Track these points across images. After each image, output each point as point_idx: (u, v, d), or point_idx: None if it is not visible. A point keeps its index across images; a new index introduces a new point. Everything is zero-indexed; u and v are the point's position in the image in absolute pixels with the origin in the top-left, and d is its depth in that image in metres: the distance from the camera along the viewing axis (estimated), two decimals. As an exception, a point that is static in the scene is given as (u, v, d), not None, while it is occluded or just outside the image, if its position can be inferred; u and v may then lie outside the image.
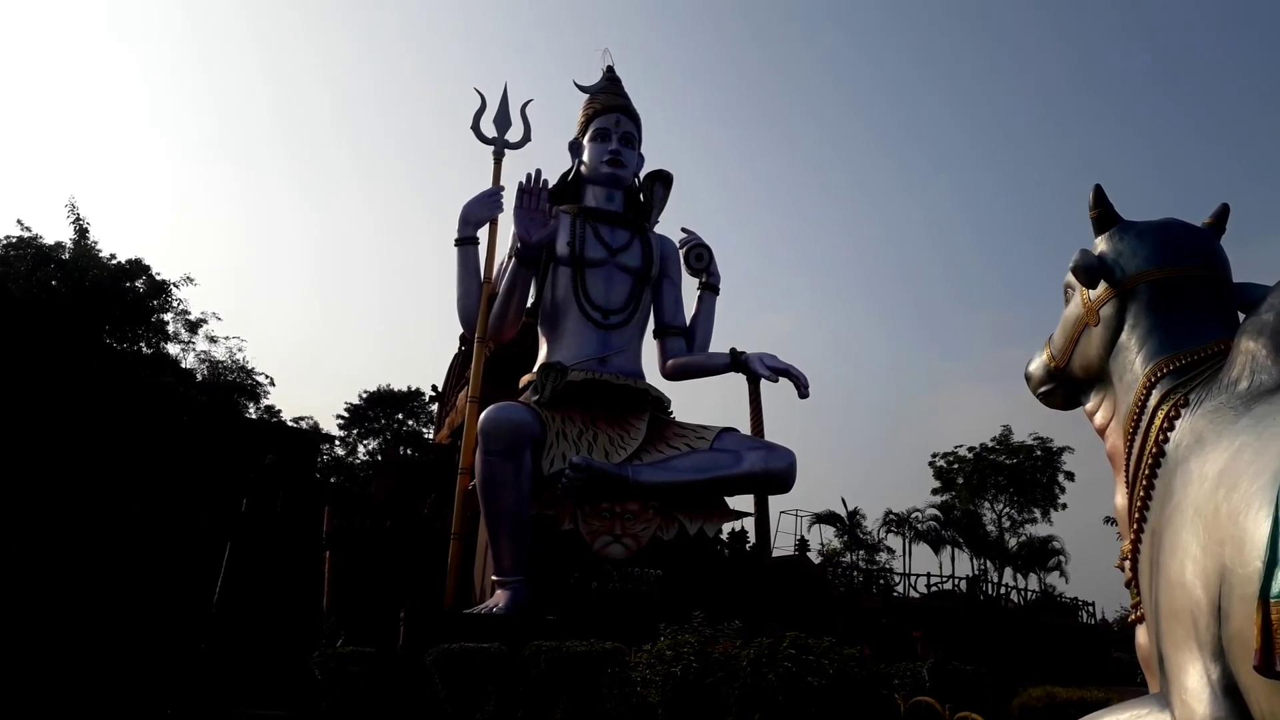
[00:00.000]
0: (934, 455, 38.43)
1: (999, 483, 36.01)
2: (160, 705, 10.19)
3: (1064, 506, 36.10)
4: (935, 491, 37.26)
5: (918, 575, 32.07)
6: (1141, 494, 3.86)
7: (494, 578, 12.09)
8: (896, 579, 29.83)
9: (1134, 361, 4.05)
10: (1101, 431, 4.44)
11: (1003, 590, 34.50)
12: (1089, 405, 4.51)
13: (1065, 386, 4.64)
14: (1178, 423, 3.75)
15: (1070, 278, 4.48)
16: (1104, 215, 4.27)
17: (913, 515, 35.26)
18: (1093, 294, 4.24)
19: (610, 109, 14.69)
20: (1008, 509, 36.24)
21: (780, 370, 13.49)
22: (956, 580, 33.22)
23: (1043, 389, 4.76)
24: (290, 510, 16.92)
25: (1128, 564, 4.17)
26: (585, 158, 14.60)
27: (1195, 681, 3.24)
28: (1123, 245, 4.17)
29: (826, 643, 6.25)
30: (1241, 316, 4.00)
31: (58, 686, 10.03)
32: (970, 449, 37.03)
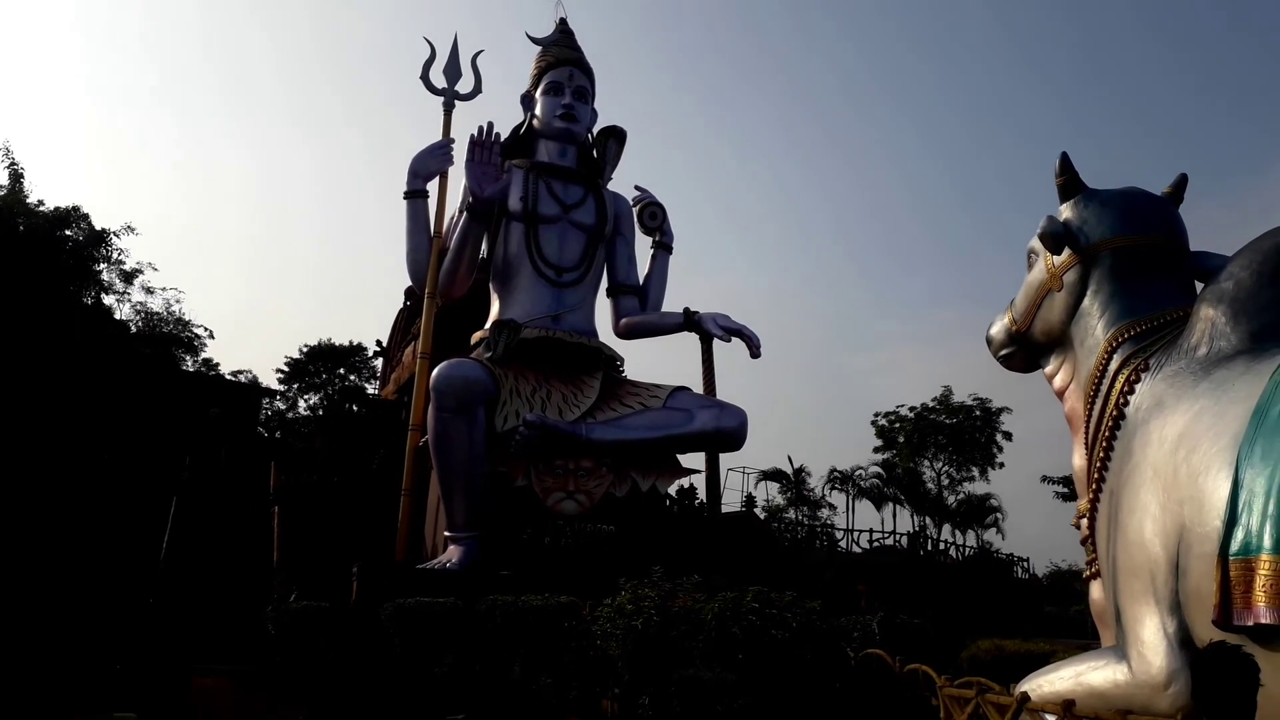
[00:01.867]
0: (876, 414, 39.29)
1: (939, 442, 36.91)
2: (110, 661, 10.05)
3: (1001, 465, 37.21)
4: (877, 450, 38.15)
5: (860, 531, 32.82)
6: (1101, 455, 4.00)
7: (446, 533, 12.09)
8: (840, 535, 30.50)
9: (1096, 326, 4.18)
10: (1060, 394, 4.58)
11: (942, 546, 35.49)
12: (1049, 368, 4.65)
13: (1026, 349, 4.77)
14: (1138, 386, 3.88)
15: (1034, 243, 4.59)
16: (1069, 182, 4.37)
17: (856, 473, 36.10)
18: (1057, 259, 4.35)
19: (563, 62, 14.48)
20: (947, 467, 37.23)
21: (733, 330, 13.58)
22: (898, 536, 34.08)
23: (1003, 351, 4.88)
24: (234, 465, 16.65)
25: (1084, 522, 4.33)
26: (538, 111, 14.40)
27: (1152, 634, 3.40)
28: (1087, 212, 4.28)
29: (789, 596, 6.39)
30: (1199, 285, 4.15)
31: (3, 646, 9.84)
32: (911, 408, 37.94)
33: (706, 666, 6.06)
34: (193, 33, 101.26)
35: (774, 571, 14.44)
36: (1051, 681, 3.84)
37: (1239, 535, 3.00)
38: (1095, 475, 4.03)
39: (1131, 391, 3.87)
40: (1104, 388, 4.03)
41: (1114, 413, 3.94)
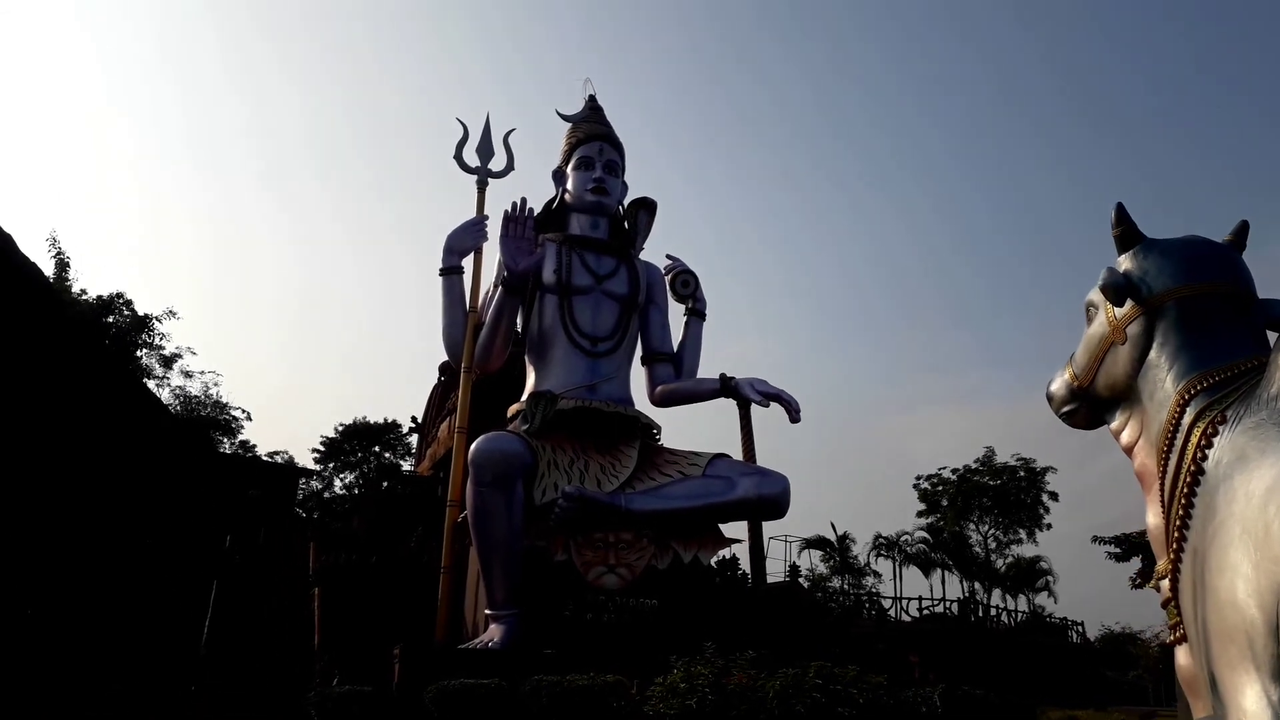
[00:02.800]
0: (918, 477, 38.58)
1: (984, 504, 36.10)
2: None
3: (1049, 526, 36.31)
4: (920, 514, 37.36)
5: (909, 599, 32.05)
6: (1180, 513, 3.82)
7: (487, 612, 11.88)
8: (887, 603, 29.78)
9: (1165, 379, 4.03)
10: (1129, 450, 4.41)
11: (993, 612, 34.53)
12: (1114, 424, 4.49)
13: (1088, 405, 4.63)
14: (1216, 440, 3.72)
15: (1093, 296, 4.48)
16: (1127, 233, 4.27)
17: (902, 538, 35.36)
18: (1119, 312, 4.23)
19: (593, 137, 14.70)
20: (993, 530, 36.33)
21: (771, 395, 13.45)
22: (947, 603, 33.21)
23: (1066, 408, 4.73)
24: (273, 546, 16.60)
25: (1164, 584, 4.13)
26: (569, 186, 14.59)
27: (1254, 703, 3.18)
28: (1148, 263, 4.17)
29: (853, 671, 6.15)
30: (1270, 335, 4.01)
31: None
32: (954, 470, 37.24)
33: (768, 746, 5.83)
34: (230, 110, 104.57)
35: (822, 643, 14.07)
36: (1146, 757, 3.61)
37: (1345, 595, 2.81)
38: (1175, 534, 3.85)
39: (1209, 445, 3.71)
40: (1178, 443, 3.87)
41: (1191, 468, 3.77)
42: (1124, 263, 4.23)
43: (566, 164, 14.74)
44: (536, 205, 14.00)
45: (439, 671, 9.61)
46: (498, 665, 10.09)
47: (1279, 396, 3.50)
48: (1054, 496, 36.55)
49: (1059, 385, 4.72)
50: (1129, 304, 4.12)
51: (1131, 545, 26.13)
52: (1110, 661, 38.61)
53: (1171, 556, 3.89)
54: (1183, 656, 4.05)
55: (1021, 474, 36.56)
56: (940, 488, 37.39)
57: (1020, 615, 35.12)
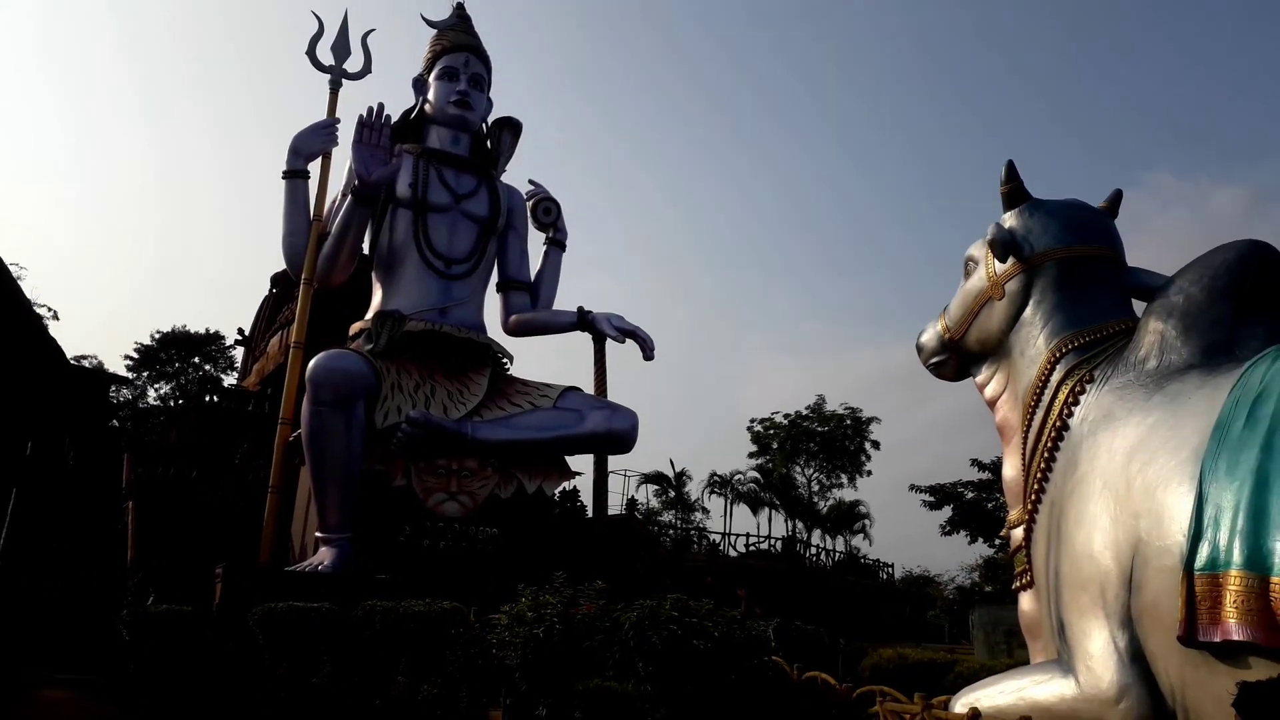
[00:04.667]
0: (752, 420, 39.92)
1: (811, 449, 37.78)
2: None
3: (869, 473, 38.39)
4: (752, 455, 38.74)
5: (737, 535, 33.20)
6: (1042, 465, 3.95)
7: (318, 534, 11.44)
8: (716, 538, 30.77)
9: (1038, 337, 4.14)
10: (992, 403, 4.53)
11: (813, 551, 36.30)
12: (980, 377, 4.60)
13: (958, 358, 4.72)
14: (1083, 398, 3.85)
15: (974, 250, 4.54)
16: (1014, 191, 4.33)
17: (735, 477, 36.54)
18: (999, 267, 4.30)
19: (460, 47, 13.99)
20: (818, 474, 38.14)
21: (627, 331, 13.40)
22: (773, 541, 34.69)
23: (935, 359, 4.82)
24: (81, 457, 15.42)
25: (1016, 533, 4.29)
26: (430, 96, 13.87)
27: (1101, 648, 3.34)
28: (1032, 222, 4.25)
29: (707, 604, 6.21)
30: (1136, 302, 4.17)
31: None
32: (786, 415, 38.75)
33: (620, 677, 5.81)
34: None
35: (656, 575, 14.35)
36: (992, 696, 3.76)
37: (1204, 550, 2.96)
38: (1035, 486, 3.98)
39: (1076, 403, 3.84)
40: (1046, 398, 3.99)
41: (1057, 423, 3.90)
42: (1009, 220, 4.30)
43: (429, 73, 13.99)
44: (394, 113, 13.26)
45: (265, 593, 9.18)
46: (328, 589, 9.73)
47: (1147, 359, 3.64)
48: (876, 445, 38.92)
49: (930, 336, 4.79)
50: (1010, 260, 4.20)
51: (945, 495, 27.98)
52: (912, 601, 41.45)
53: (1029, 507, 4.03)
54: (1026, 602, 4.22)
55: (848, 422, 38.59)
56: (772, 431, 38.94)
57: (838, 555, 37.31)
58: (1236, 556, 2.84)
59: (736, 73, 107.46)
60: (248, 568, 10.77)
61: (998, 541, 28.07)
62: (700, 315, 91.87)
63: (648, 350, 13.43)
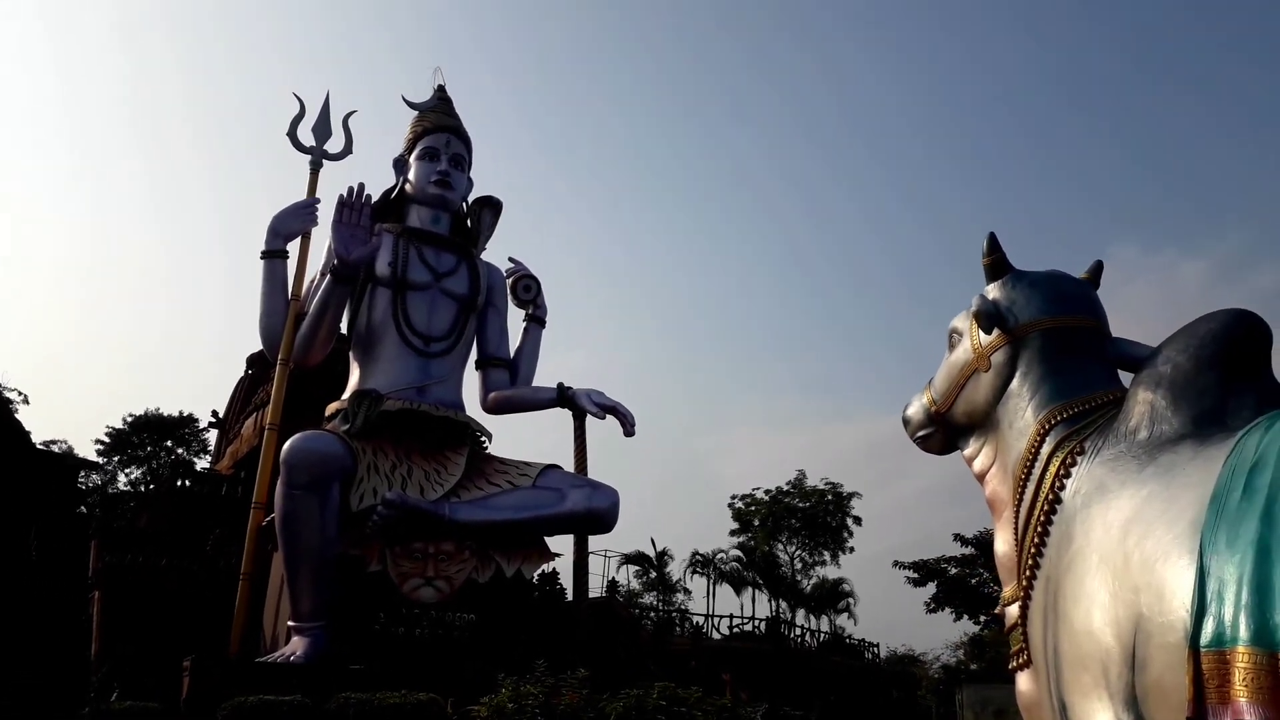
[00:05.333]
0: (733, 496, 39.61)
1: (793, 525, 37.44)
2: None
3: (852, 549, 37.99)
4: (733, 533, 38.35)
5: (720, 616, 32.66)
6: (1036, 540, 3.85)
7: (291, 623, 11.09)
8: (699, 620, 30.22)
9: (1026, 408, 4.07)
10: (981, 477, 4.45)
11: (798, 631, 35.72)
12: (968, 450, 4.52)
13: (944, 431, 4.64)
14: (1074, 470, 3.77)
15: (958, 322, 4.51)
16: (997, 262, 4.32)
17: (717, 556, 36.10)
18: (984, 339, 4.26)
19: (440, 128, 14.17)
20: (800, 551, 37.73)
21: (608, 407, 13.30)
22: (756, 622, 34.11)
23: (922, 432, 4.74)
24: (46, 545, 14.97)
25: (1011, 610, 4.16)
26: (411, 177, 13.98)
27: (1105, 732, 3.21)
28: (1016, 293, 4.22)
29: (696, 693, 6.00)
30: (1122, 373, 4.14)
31: None
32: (767, 491, 38.45)
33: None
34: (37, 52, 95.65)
35: (639, 660, 13.99)
36: (996, 785, 3.60)
37: (1209, 626, 2.85)
38: (1029, 561, 3.87)
39: (1068, 475, 3.76)
40: (1037, 471, 3.91)
41: (1049, 496, 3.81)
42: (992, 291, 4.28)
43: (410, 153, 14.12)
44: (375, 193, 13.33)
45: (234, 686, 8.85)
46: (301, 680, 9.41)
47: (1138, 430, 3.58)
48: (858, 521, 38.57)
49: (916, 409, 4.73)
50: (995, 332, 4.17)
51: (928, 571, 27.68)
52: (896, 682, 40.75)
53: (1023, 583, 3.91)
54: (1024, 683, 4.07)
55: (830, 498, 38.28)
56: (754, 508, 38.58)
57: (822, 635, 36.68)
58: (1243, 632, 2.74)
59: (719, 148, 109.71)
60: (217, 659, 10.41)
61: (983, 618, 27.75)
62: (680, 390, 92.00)
63: (628, 426, 13.32)
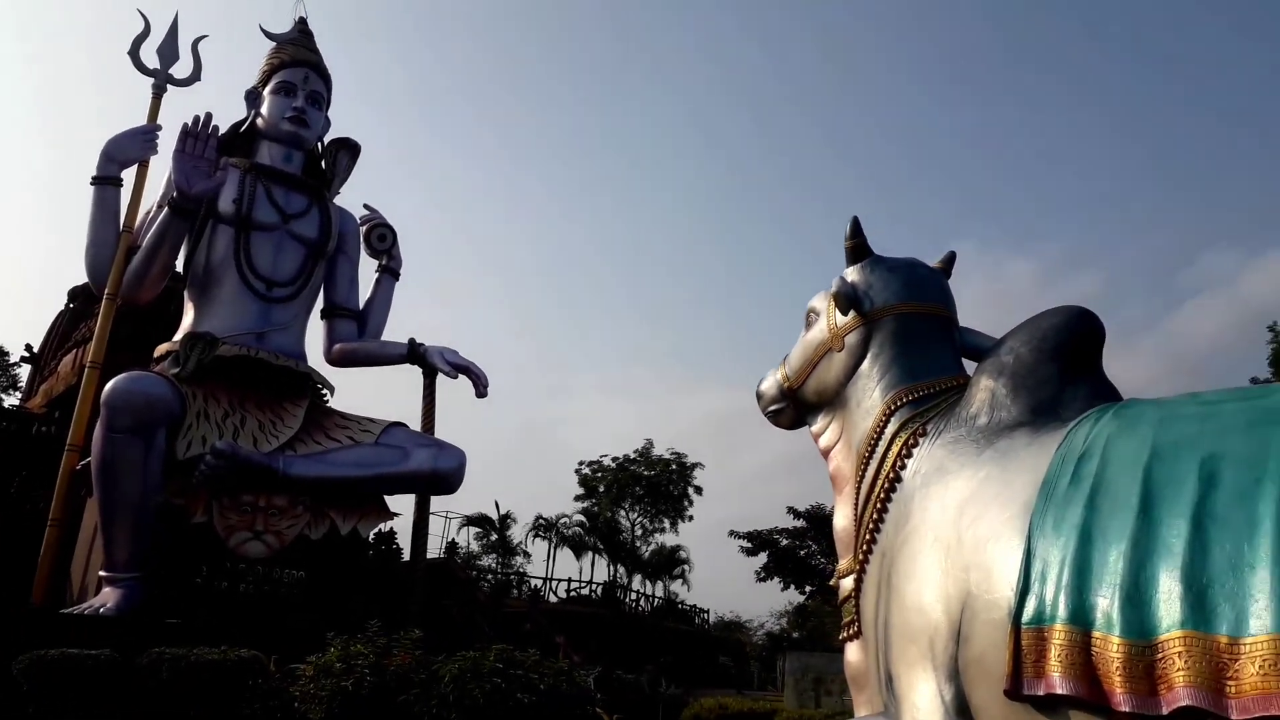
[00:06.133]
0: (580, 463, 39.76)
1: (637, 493, 37.92)
2: None
3: (691, 518, 38.82)
4: (578, 498, 38.52)
5: (559, 580, 32.80)
6: (874, 516, 3.97)
7: (103, 573, 10.43)
8: (536, 583, 30.27)
9: (874, 389, 4.19)
10: (826, 453, 4.56)
11: (634, 596, 36.32)
12: (816, 426, 4.62)
13: (795, 407, 4.73)
14: (916, 450, 3.90)
15: (816, 302, 4.59)
16: (858, 246, 4.41)
17: (560, 521, 36.18)
18: (841, 320, 4.35)
19: (299, 62, 13.42)
20: (642, 518, 38.27)
21: (461, 367, 13.01)
22: (594, 586, 34.42)
23: (773, 407, 4.82)
24: None
25: (845, 582, 4.29)
26: (264, 111, 13.20)
27: (927, 701, 3.34)
28: (874, 277, 4.33)
29: (533, 656, 5.93)
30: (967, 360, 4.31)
31: None
32: (614, 459, 38.81)
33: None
34: None
35: (474, 621, 13.88)
36: (821, 750, 3.72)
37: (1031, 604, 3.01)
38: (866, 537, 4.00)
39: (909, 455, 3.90)
40: (880, 450, 4.03)
41: (890, 475, 3.94)
42: (851, 274, 4.38)
43: (264, 86, 13.31)
44: (223, 126, 12.51)
45: (36, 638, 8.22)
46: (111, 634, 8.84)
47: (978, 416, 3.74)
48: (699, 490, 39.54)
49: (770, 385, 4.80)
50: (851, 314, 4.26)
51: (762, 541, 28.65)
52: (725, 647, 42.11)
53: (859, 557, 4.04)
54: (853, 653, 4.22)
55: (674, 467, 39.03)
56: (600, 474, 38.92)
57: (657, 600, 37.47)
58: (1061, 611, 2.90)
59: (587, 111, 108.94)
60: (18, 609, 9.67)
61: (808, 589, 28.93)
62: (534, 354, 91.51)
63: (481, 387, 13.08)
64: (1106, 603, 2.79)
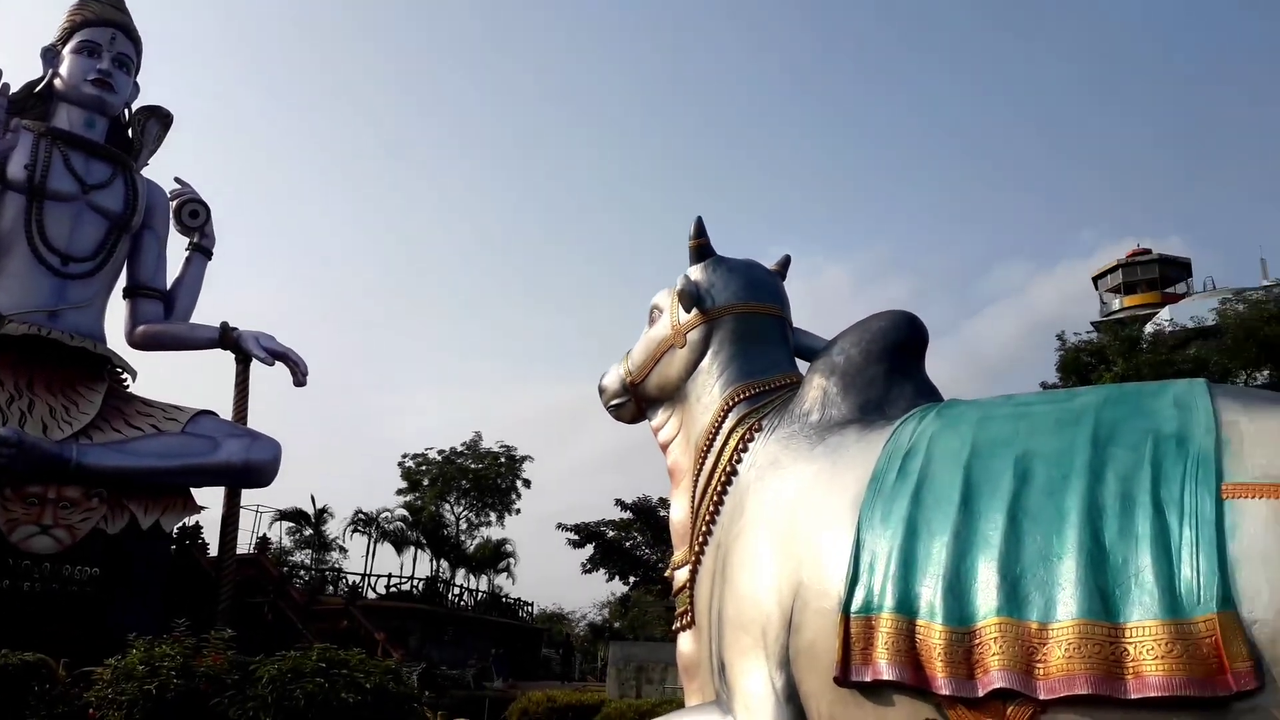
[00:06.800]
0: (404, 455, 38.53)
1: (463, 486, 37.15)
2: None
3: (518, 511, 38.38)
4: (401, 492, 37.35)
5: (379, 575, 31.78)
6: (711, 508, 4.06)
7: None
8: (355, 579, 29.24)
9: (713, 385, 4.28)
10: (665, 447, 4.62)
11: (456, 590, 35.64)
12: (656, 421, 4.68)
13: (637, 401, 4.77)
14: (752, 445, 4.02)
15: (660, 299, 4.64)
16: (702, 246, 4.49)
17: (381, 515, 34.96)
18: (684, 317, 4.42)
19: (106, 22, 12.38)
20: (467, 511, 37.53)
21: (278, 353, 12.37)
22: (415, 581, 33.54)
23: (615, 401, 4.84)
24: None
25: (680, 573, 4.37)
26: (63, 71, 12.11)
27: (759, 688, 3.44)
28: (715, 277, 4.42)
29: (358, 655, 5.68)
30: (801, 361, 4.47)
31: None
32: (441, 452, 37.85)
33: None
34: None
35: (288, 619, 13.25)
36: (655, 741, 3.76)
37: (860, 594, 3.14)
38: (702, 528, 4.08)
39: (745, 450, 4.00)
40: (718, 444, 4.12)
41: (727, 468, 4.04)
42: (694, 273, 4.45)
43: (64, 44, 12.16)
44: (15, 85, 11.38)
45: None
46: None
47: (811, 413, 3.89)
48: (527, 484, 39.15)
49: (612, 379, 4.81)
50: (694, 311, 4.34)
51: (589, 534, 28.76)
52: (553, 640, 42.08)
53: (695, 549, 4.12)
54: (686, 643, 4.29)
55: (502, 460, 38.47)
56: (425, 467, 37.85)
57: (480, 594, 36.95)
58: (888, 600, 3.05)
59: (419, 99, 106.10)
60: None
61: (632, 579, 29.33)
62: (358, 343, 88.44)
63: (300, 375, 12.48)
64: (930, 592, 2.96)
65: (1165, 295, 39.55)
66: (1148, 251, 43.33)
